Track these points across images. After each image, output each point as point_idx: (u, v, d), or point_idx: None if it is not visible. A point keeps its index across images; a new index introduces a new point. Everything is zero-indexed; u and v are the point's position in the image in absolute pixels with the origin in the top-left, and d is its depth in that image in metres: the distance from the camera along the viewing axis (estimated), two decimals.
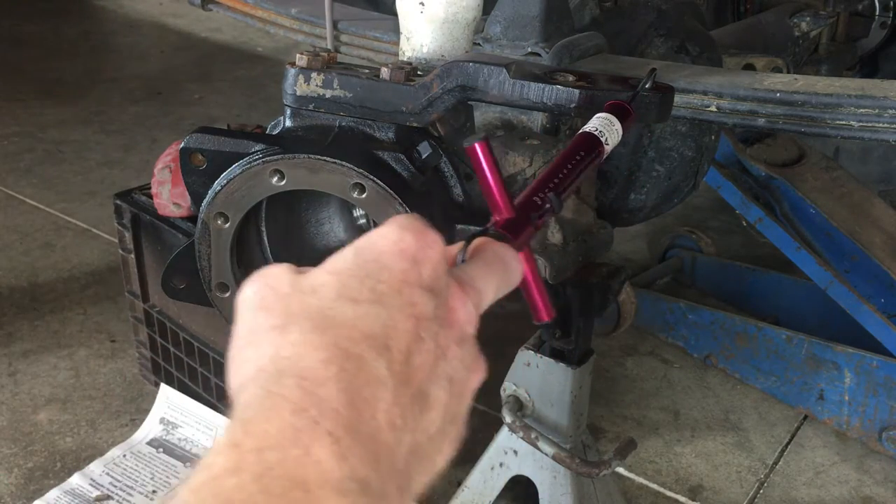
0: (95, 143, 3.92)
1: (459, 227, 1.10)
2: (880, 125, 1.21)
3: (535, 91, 1.06)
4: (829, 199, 2.39)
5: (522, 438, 1.58)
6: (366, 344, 0.52)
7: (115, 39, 5.63)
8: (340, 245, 1.27)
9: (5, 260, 2.91)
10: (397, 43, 1.29)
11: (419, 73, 1.12)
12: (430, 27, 1.21)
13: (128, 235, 2.16)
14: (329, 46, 2.12)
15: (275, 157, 1.03)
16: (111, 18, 6.01)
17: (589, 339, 1.58)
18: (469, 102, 1.14)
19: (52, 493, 1.95)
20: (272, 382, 0.50)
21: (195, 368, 2.11)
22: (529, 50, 1.34)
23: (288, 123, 1.14)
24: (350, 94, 1.10)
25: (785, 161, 2.44)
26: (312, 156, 1.02)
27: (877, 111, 1.20)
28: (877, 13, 2.58)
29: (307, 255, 1.20)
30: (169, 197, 1.97)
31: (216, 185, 1.07)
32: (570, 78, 1.07)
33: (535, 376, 1.59)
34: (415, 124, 1.09)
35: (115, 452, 2.08)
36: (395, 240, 0.57)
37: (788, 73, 1.69)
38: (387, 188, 1.01)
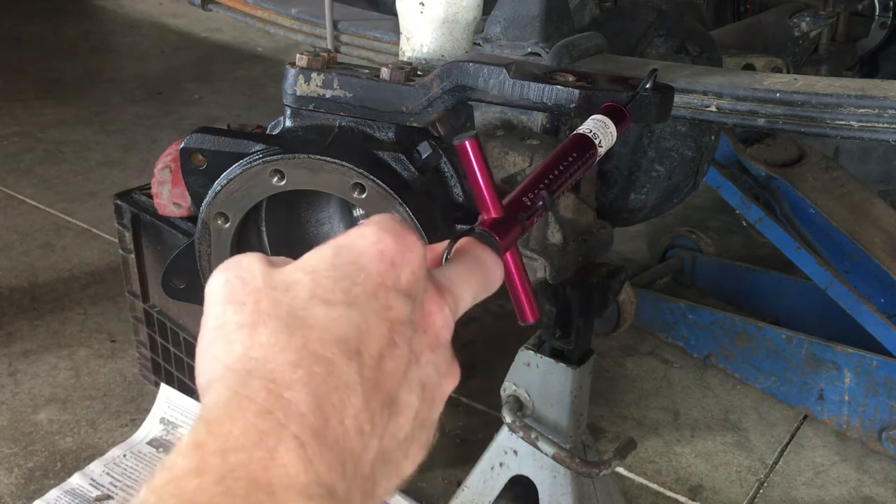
0: (95, 143, 3.92)
1: (459, 227, 1.10)
2: (880, 125, 1.21)
3: (535, 91, 1.06)
4: (829, 199, 2.39)
5: (522, 438, 1.58)
6: (337, 347, 0.51)
7: (115, 39, 5.63)
8: None
9: (5, 260, 2.91)
10: (397, 43, 1.29)
11: (419, 73, 1.12)
12: (430, 27, 1.21)
13: (128, 235, 2.16)
14: (329, 46, 2.12)
15: (275, 157, 1.03)
16: (111, 18, 6.01)
17: (589, 339, 1.58)
18: (469, 102, 1.14)
19: (53, 493, 1.95)
20: (239, 383, 0.49)
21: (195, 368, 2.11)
22: (529, 50, 1.34)
23: (288, 123, 1.14)
24: (350, 94, 1.10)
25: (785, 161, 2.44)
26: (312, 156, 1.02)
27: (877, 111, 1.20)
28: (877, 13, 2.58)
29: None
30: (169, 197, 1.97)
31: (216, 185, 1.07)
32: (570, 78, 1.07)
33: (535, 376, 1.59)
34: (415, 124, 1.09)
35: (115, 452, 2.08)
36: (374, 241, 0.55)
37: (788, 73, 1.69)
38: (387, 188, 1.01)
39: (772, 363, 2.36)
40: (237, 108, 4.42)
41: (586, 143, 0.82)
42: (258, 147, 1.07)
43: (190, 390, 2.16)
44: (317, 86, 1.11)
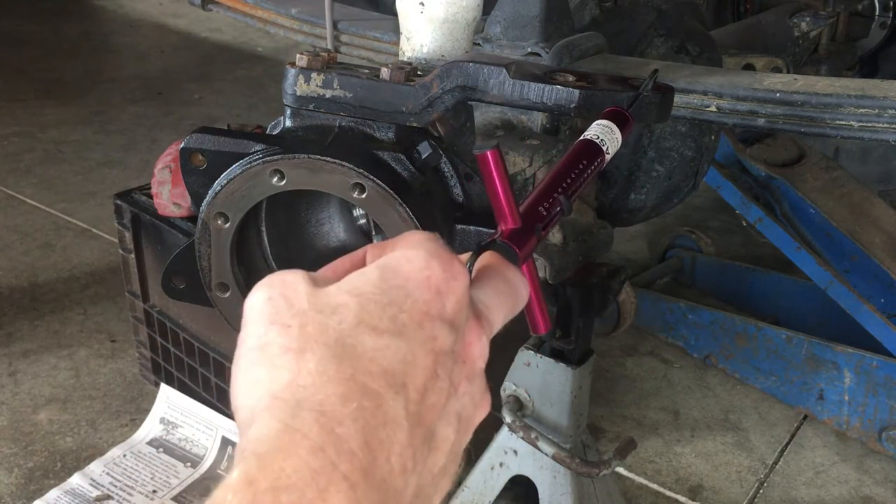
0: (95, 143, 3.92)
1: (459, 227, 1.10)
2: (880, 125, 1.20)
3: (535, 91, 1.06)
4: (829, 199, 2.39)
5: (522, 438, 1.58)
6: (384, 380, 0.50)
7: (115, 39, 5.63)
8: (340, 245, 1.27)
9: (5, 260, 2.91)
10: (397, 43, 1.29)
11: (419, 73, 1.12)
12: (430, 27, 1.21)
13: (128, 235, 2.16)
14: (329, 46, 2.12)
15: (275, 157, 1.03)
16: (111, 18, 6.01)
17: (589, 339, 1.58)
18: (469, 102, 1.14)
19: (53, 493, 1.95)
20: (289, 415, 0.48)
21: (195, 368, 2.11)
22: (529, 50, 1.34)
23: (288, 123, 1.14)
24: (350, 95, 1.10)
25: (785, 161, 2.44)
26: (312, 156, 1.02)
27: (877, 111, 1.20)
28: (877, 13, 2.58)
29: (307, 255, 1.19)
30: (169, 197, 1.97)
31: (216, 185, 1.07)
32: (570, 78, 1.07)
33: (535, 376, 1.59)
34: (415, 124, 1.09)
35: (115, 452, 2.08)
36: (422, 266, 0.55)
37: (788, 73, 1.69)
38: (387, 188, 1.01)
39: (772, 363, 2.36)
40: (237, 108, 4.42)
41: (594, 149, 0.82)
42: (258, 147, 1.07)
43: (190, 390, 2.16)
44: (317, 86, 1.11)
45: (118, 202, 2.14)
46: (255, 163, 1.04)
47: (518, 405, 1.62)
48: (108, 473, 2.02)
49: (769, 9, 2.23)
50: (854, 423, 2.23)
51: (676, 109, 1.28)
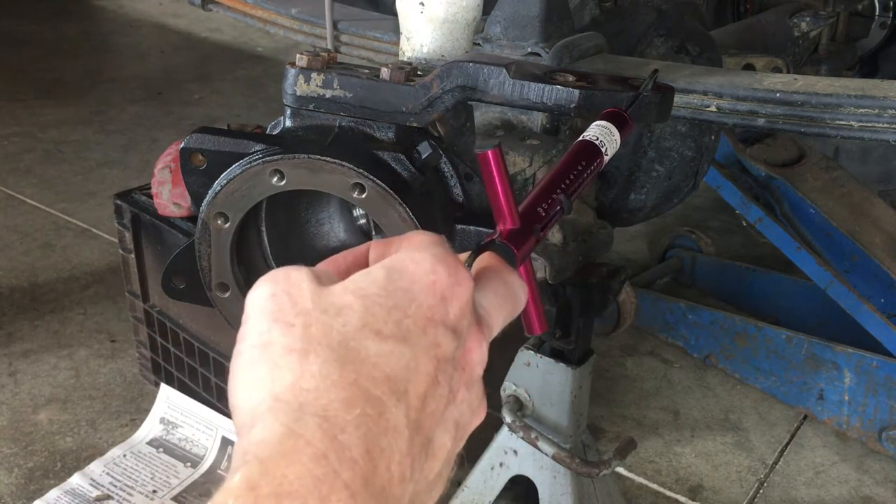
0: (95, 143, 3.92)
1: (459, 227, 1.10)
2: (880, 125, 1.20)
3: (535, 91, 1.06)
4: (829, 199, 2.39)
5: (522, 438, 1.58)
6: (387, 386, 0.50)
7: (115, 39, 5.63)
8: (340, 245, 1.27)
9: (5, 260, 2.91)
10: (397, 43, 1.29)
11: (419, 73, 1.12)
12: (430, 27, 1.21)
13: (128, 235, 2.16)
14: (329, 46, 2.12)
15: (275, 157, 1.03)
16: (111, 18, 6.01)
17: (589, 339, 1.58)
18: (469, 102, 1.14)
19: (53, 493, 1.95)
20: (292, 419, 0.48)
21: (195, 368, 2.11)
22: (529, 50, 1.34)
23: (288, 123, 1.14)
24: (350, 95, 1.10)
25: (785, 161, 2.44)
26: (312, 156, 1.02)
27: (877, 111, 1.20)
28: (876, 13, 2.58)
29: (307, 255, 1.19)
30: (169, 197, 1.97)
31: (216, 185, 1.07)
32: (570, 78, 1.07)
33: (535, 376, 1.59)
34: (415, 124, 1.09)
35: (115, 452, 2.08)
36: (428, 270, 0.54)
37: (788, 73, 1.69)
38: (387, 188, 1.01)
39: (772, 363, 2.36)
40: (237, 108, 4.42)
41: (593, 150, 0.82)
42: (258, 147, 1.07)
43: (190, 390, 2.16)
44: (317, 86, 1.11)
45: (118, 202, 2.14)
46: (255, 163, 1.04)
47: (518, 405, 1.62)
48: (108, 473, 2.02)
49: (769, 9, 2.23)
50: (854, 423, 2.23)
51: (676, 109, 1.28)
